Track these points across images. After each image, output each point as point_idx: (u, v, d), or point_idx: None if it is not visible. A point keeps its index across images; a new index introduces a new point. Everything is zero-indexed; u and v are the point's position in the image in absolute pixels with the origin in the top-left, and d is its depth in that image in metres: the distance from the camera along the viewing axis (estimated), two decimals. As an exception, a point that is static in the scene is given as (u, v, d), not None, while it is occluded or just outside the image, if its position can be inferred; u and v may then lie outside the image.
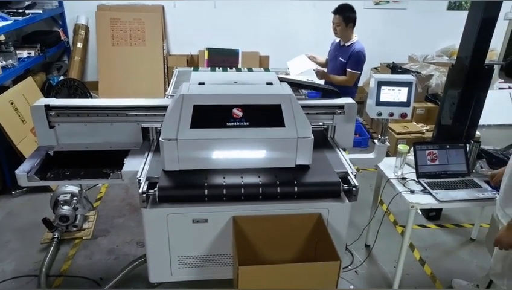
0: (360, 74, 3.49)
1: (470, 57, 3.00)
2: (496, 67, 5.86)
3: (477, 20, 2.91)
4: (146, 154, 2.26)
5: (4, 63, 4.01)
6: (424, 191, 2.54)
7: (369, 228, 3.11)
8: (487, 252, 3.14)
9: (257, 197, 1.97)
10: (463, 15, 3.18)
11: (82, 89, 4.98)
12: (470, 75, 3.04)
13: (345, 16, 3.42)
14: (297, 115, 2.04)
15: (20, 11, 4.47)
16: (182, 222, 2.00)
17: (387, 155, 2.64)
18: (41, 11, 4.77)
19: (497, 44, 6.14)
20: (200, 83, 2.19)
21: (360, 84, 5.76)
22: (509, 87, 6.10)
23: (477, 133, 3.86)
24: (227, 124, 2.01)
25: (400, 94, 2.28)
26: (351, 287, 2.79)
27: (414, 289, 2.79)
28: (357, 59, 3.43)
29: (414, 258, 3.09)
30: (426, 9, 5.87)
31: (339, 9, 3.46)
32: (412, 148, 2.69)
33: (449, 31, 5.59)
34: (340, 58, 3.51)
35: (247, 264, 1.74)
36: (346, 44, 3.51)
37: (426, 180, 2.60)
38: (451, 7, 5.97)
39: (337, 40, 3.64)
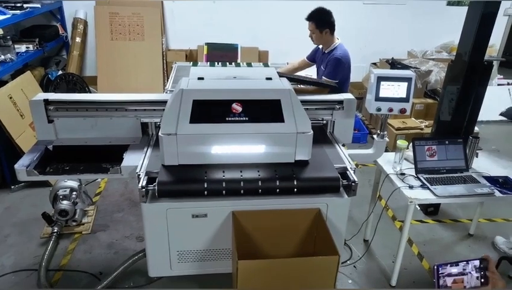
0: (341, 83, 3.07)
1: (469, 52, 3.00)
2: (495, 63, 5.87)
3: (477, 15, 2.91)
4: (145, 149, 2.26)
5: (2, 57, 3.99)
6: (423, 186, 2.54)
7: (367, 223, 3.12)
8: (485, 247, 3.17)
9: (256, 192, 1.97)
10: (463, 10, 3.18)
11: (81, 83, 4.96)
12: (469, 71, 3.04)
13: (318, 22, 3.11)
14: (297, 110, 2.04)
15: (18, 5, 4.44)
16: (181, 216, 2.01)
17: (386, 151, 2.65)
18: (39, 5, 4.74)
19: (496, 40, 6.14)
20: (199, 78, 2.19)
21: (359, 79, 5.82)
22: (508, 83, 6.10)
23: (476, 128, 3.87)
24: (227, 119, 2.01)
25: (399, 90, 2.28)
26: (350, 281, 2.80)
27: (412, 289, 2.80)
28: (333, 66, 3.07)
29: (412, 253, 3.10)
30: (425, 5, 5.85)
31: (311, 14, 3.15)
32: (411, 144, 2.70)
33: (449, 27, 5.58)
34: (322, 67, 3.24)
35: (246, 259, 1.75)
36: (327, 50, 3.21)
37: (425, 176, 2.61)
38: (451, 3, 5.95)
39: (321, 46, 3.34)
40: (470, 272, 1.51)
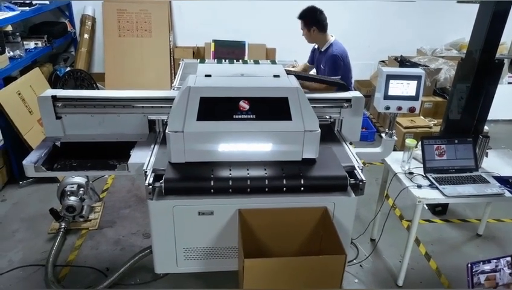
0: (343, 79, 3.05)
1: (480, 50, 2.96)
2: (506, 61, 5.78)
3: (489, 13, 2.86)
4: (152, 146, 2.27)
5: (11, 53, 4.02)
6: (431, 186, 2.52)
7: (374, 222, 3.10)
8: (493, 248, 3.14)
9: (263, 190, 1.97)
10: (473, 8, 3.13)
11: (89, 80, 4.98)
12: (480, 69, 2.99)
13: (306, 20, 3.20)
14: (304, 108, 2.03)
15: (27, 1, 4.47)
16: (187, 214, 2.01)
17: (394, 149, 2.62)
18: (48, 2, 4.76)
19: (507, 37, 6.04)
20: (206, 75, 2.18)
21: (367, 77, 5.78)
22: (519, 82, 6.01)
23: (486, 128, 3.82)
24: (234, 116, 2.00)
25: (408, 88, 2.26)
26: (356, 281, 2.79)
27: (419, 289, 2.78)
28: (332, 64, 3.16)
29: (420, 253, 3.08)
30: (435, 2, 5.78)
31: (300, 13, 3.23)
32: (420, 143, 2.67)
33: (459, 24, 5.51)
34: (321, 66, 3.30)
35: (252, 257, 1.75)
36: (323, 49, 3.28)
37: (433, 175, 2.58)
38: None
39: (317, 46, 3.41)
40: (502, 269, 1.52)
